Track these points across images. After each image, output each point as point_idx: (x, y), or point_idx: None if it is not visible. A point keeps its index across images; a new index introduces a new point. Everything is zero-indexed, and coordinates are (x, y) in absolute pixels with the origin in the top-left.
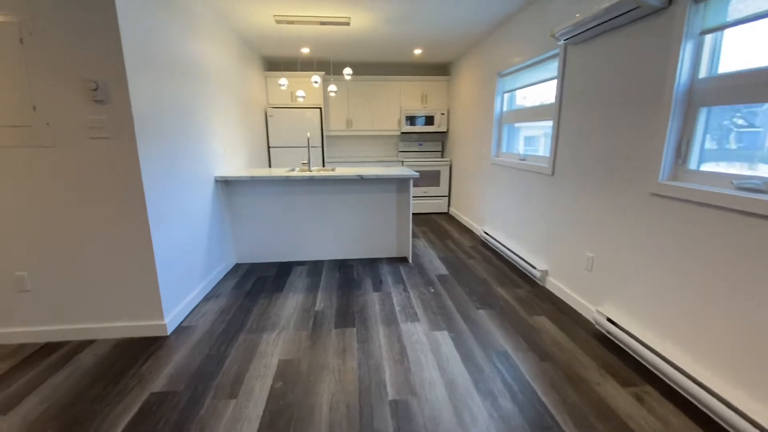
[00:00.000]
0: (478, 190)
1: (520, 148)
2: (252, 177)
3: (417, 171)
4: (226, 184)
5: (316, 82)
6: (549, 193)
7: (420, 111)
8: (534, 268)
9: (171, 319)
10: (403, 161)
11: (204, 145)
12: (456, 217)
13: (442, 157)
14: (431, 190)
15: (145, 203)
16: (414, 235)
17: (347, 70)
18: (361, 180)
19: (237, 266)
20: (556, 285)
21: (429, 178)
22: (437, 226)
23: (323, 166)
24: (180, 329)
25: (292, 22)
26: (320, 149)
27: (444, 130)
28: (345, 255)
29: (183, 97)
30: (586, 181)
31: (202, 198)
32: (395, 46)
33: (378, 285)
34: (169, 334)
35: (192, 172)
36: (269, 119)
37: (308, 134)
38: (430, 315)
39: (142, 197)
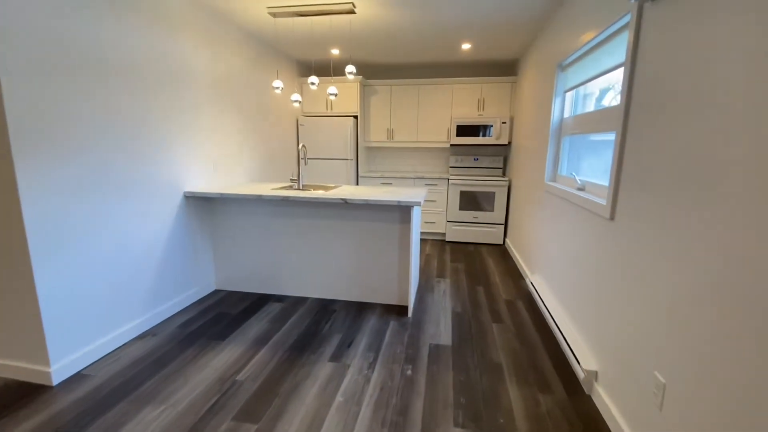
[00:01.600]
0: (531, 223)
1: (577, 172)
2: (221, 194)
3: (468, 190)
4: (206, 201)
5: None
6: (607, 249)
7: (474, 119)
8: (578, 362)
9: (62, 366)
10: (450, 179)
11: (168, 157)
12: (510, 253)
13: (503, 175)
14: (484, 216)
15: (24, 230)
16: (440, 274)
17: (350, 68)
18: (351, 205)
19: (214, 293)
20: (605, 402)
21: (482, 201)
22: (479, 264)
23: (356, 183)
24: (75, 378)
25: (287, 15)
26: (354, 163)
27: (505, 142)
28: (333, 294)
29: (122, 104)
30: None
31: (161, 217)
32: (436, 42)
33: (342, 350)
34: (56, 383)
35: (143, 188)
36: (300, 129)
37: (301, 145)
38: (375, 427)
39: (19, 222)
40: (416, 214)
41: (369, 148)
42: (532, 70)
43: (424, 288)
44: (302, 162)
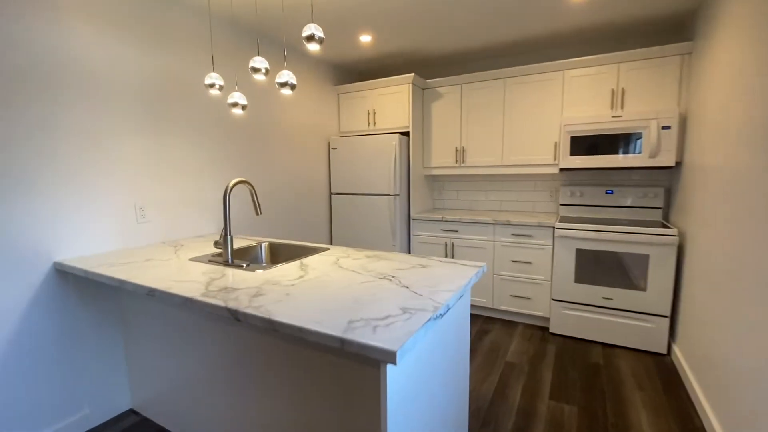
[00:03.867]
0: (743, 326)
1: None
2: (86, 271)
3: (592, 249)
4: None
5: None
6: None
7: (605, 125)
8: None
9: None
10: (557, 227)
11: (33, 203)
12: (683, 377)
13: (666, 222)
14: (625, 297)
15: None
16: (524, 418)
17: (312, 46)
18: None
19: (126, 416)
20: None
21: (622, 269)
22: (612, 397)
23: (407, 229)
24: None
25: None
26: (404, 199)
27: (669, 163)
28: None
29: None
30: None
31: (8, 302)
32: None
33: None
34: None
35: None
36: (332, 154)
37: (230, 183)
38: None
39: None
40: (462, 303)
41: (428, 178)
42: (745, 22)
43: None
44: (258, 209)
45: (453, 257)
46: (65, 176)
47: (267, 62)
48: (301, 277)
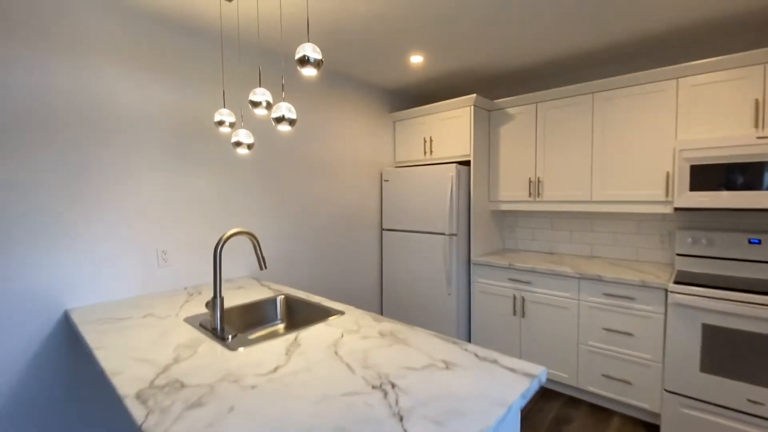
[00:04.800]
0: None
1: None
2: (75, 327)
3: (729, 327)
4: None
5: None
6: None
7: (746, 148)
8: None
9: None
10: (671, 288)
11: (46, 250)
12: None
13: None
14: None
15: None
16: None
17: (307, 71)
18: None
19: None
20: None
21: None
22: None
23: (467, 278)
24: None
25: None
26: (462, 240)
27: None
28: None
29: None
30: None
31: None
32: None
33: None
34: None
35: None
36: (385, 187)
37: (224, 236)
38: None
39: None
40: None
41: (496, 213)
42: None
43: None
44: (261, 259)
45: (524, 316)
46: (87, 219)
47: (269, 94)
48: (276, 369)
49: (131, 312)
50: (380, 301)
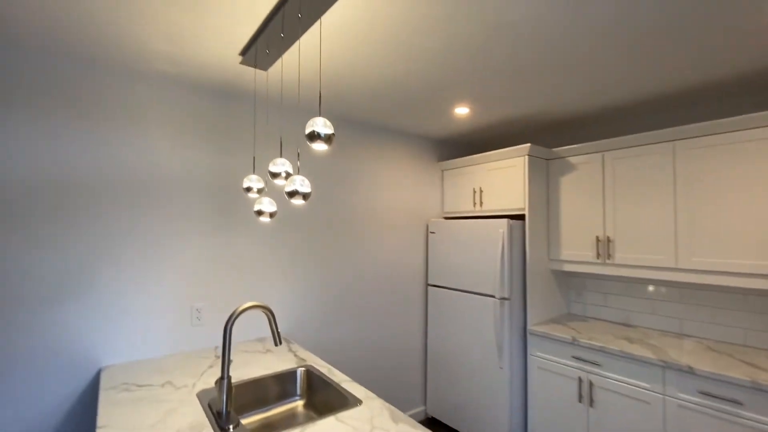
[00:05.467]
0: None
1: None
2: (98, 391)
3: None
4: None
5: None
6: None
7: None
8: None
9: None
10: None
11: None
12: None
13: None
14: None
15: None
16: None
17: (318, 146)
18: None
19: None
20: None
21: None
22: None
23: (523, 353)
24: None
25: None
26: (518, 304)
27: None
28: None
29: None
30: None
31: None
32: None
33: None
34: None
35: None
36: (431, 239)
37: (236, 310)
38: None
39: None
40: None
41: (558, 274)
42: None
43: None
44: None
45: (591, 406)
46: (124, 280)
47: (288, 164)
48: None
49: (153, 377)
50: (424, 367)
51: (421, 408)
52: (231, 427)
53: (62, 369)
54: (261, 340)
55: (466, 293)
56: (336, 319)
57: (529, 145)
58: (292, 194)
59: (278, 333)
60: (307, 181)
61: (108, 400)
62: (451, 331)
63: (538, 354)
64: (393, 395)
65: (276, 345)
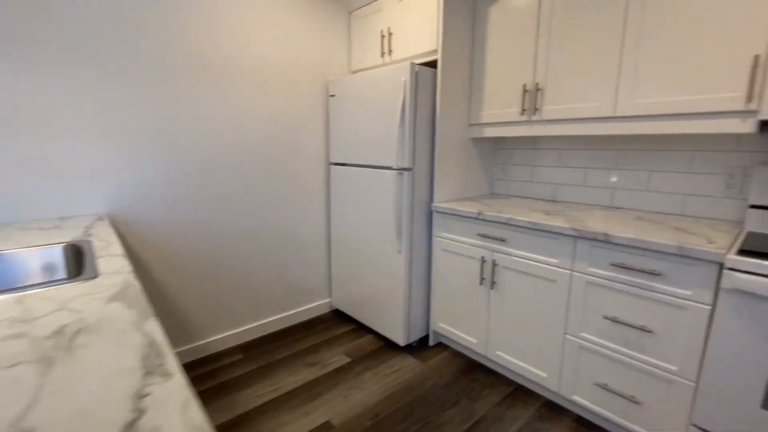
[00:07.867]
0: None
1: None
2: None
3: None
4: None
5: None
6: None
7: None
8: None
9: None
10: (724, 265)
11: None
12: None
13: None
14: None
15: None
16: None
17: None
18: None
19: None
20: None
21: None
22: None
23: (428, 237)
24: None
25: None
26: (407, 177)
27: None
28: None
29: None
30: None
31: None
32: None
33: None
34: None
35: None
36: (330, 102)
37: None
38: None
39: None
40: None
41: (479, 144)
42: None
43: None
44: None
45: (492, 288)
46: None
47: None
48: None
49: None
50: (328, 258)
51: (326, 300)
52: None
53: None
54: (66, 218)
55: (367, 168)
56: (199, 198)
57: None
58: None
59: None
60: None
61: None
62: (353, 216)
63: (443, 234)
64: (297, 287)
65: None
